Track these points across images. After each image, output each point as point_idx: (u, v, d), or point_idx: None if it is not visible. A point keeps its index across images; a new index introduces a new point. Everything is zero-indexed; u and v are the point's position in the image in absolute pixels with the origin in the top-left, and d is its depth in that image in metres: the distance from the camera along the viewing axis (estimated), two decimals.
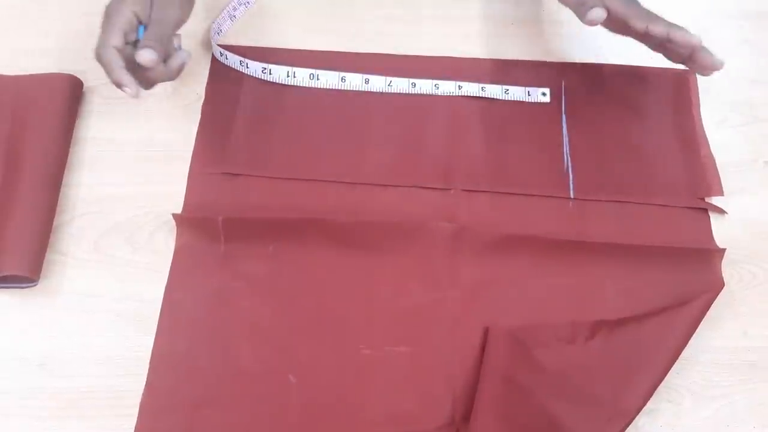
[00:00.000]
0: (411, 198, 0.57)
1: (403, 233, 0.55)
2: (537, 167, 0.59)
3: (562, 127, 0.61)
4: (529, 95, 0.62)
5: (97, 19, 0.63)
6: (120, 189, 0.56)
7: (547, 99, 0.62)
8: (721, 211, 0.58)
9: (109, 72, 0.51)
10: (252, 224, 0.54)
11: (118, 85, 0.50)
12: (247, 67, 0.61)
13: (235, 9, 0.63)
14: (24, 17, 0.64)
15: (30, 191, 0.53)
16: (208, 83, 0.62)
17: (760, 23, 0.69)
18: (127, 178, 0.57)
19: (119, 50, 0.50)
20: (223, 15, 0.63)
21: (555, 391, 0.50)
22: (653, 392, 0.49)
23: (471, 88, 0.62)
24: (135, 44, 0.52)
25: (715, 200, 0.59)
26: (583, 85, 0.63)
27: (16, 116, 0.56)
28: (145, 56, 0.49)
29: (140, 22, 0.52)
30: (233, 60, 0.61)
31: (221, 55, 0.59)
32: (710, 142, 0.61)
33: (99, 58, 0.51)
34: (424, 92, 0.62)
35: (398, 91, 0.62)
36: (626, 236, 0.56)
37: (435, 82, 0.62)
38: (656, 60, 0.63)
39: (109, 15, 0.52)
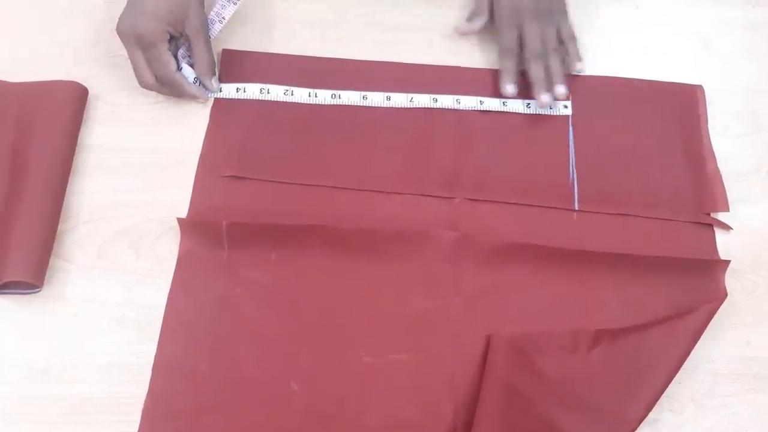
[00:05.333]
0: (415, 206, 0.57)
1: (406, 241, 0.55)
2: (542, 178, 0.59)
3: (568, 138, 0.61)
4: (550, 108, 0.62)
5: (102, 27, 0.64)
6: (124, 195, 0.57)
7: (569, 111, 0.62)
8: (726, 227, 0.58)
9: (182, 92, 0.59)
10: (255, 230, 0.54)
11: (195, 98, 0.60)
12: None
13: (223, 7, 0.62)
14: (29, 24, 0.65)
15: (34, 197, 0.54)
16: None
17: (763, 33, 0.69)
18: (132, 184, 0.57)
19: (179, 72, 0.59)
20: (211, 16, 0.62)
21: (557, 400, 0.50)
22: (656, 402, 0.50)
23: (492, 104, 0.62)
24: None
25: (720, 213, 0.59)
26: (591, 97, 0.63)
27: (21, 123, 0.57)
28: (216, 86, 0.61)
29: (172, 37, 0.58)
30: (229, 89, 0.62)
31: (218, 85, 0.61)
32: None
33: (168, 80, 0.58)
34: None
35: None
36: (630, 249, 0.56)
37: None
38: (665, 74, 0.63)
39: (145, 38, 0.56)
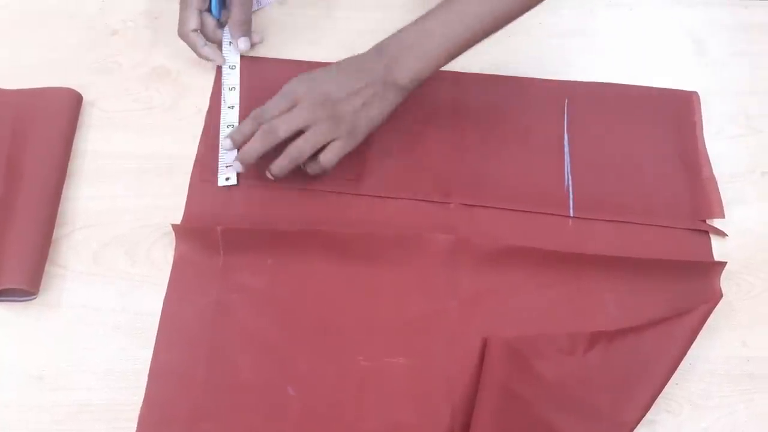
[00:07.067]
0: (411, 211, 0.57)
1: (403, 245, 0.55)
2: (538, 184, 0.59)
3: (564, 144, 0.61)
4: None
5: (96, 34, 0.65)
6: (119, 202, 0.57)
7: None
8: (722, 234, 0.58)
9: (195, 51, 0.62)
10: (251, 235, 0.54)
11: (205, 58, 0.62)
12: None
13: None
14: (24, 32, 0.65)
15: (29, 204, 0.54)
16: (212, 93, 0.62)
17: (755, 35, 0.69)
18: (126, 191, 0.57)
19: (198, 30, 0.61)
20: None
21: (554, 402, 0.50)
22: (652, 403, 0.50)
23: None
24: (208, 10, 0.62)
25: (716, 219, 0.59)
26: (587, 103, 0.63)
27: (17, 130, 0.57)
28: (243, 47, 0.63)
29: None
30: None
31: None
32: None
33: (183, 38, 0.61)
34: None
35: None
36: (625, 255, 0.55)
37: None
38: (658, 76, 0.63)
39: None
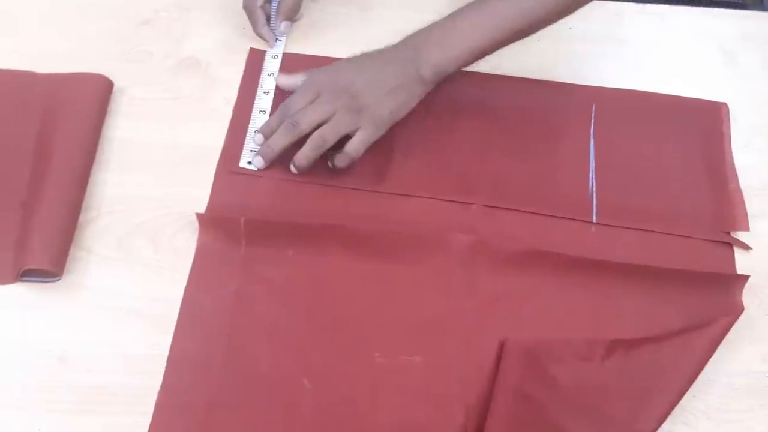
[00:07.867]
0: (432, 210, 0.57)
1: (422, 243, 0.55)
2: (561, 189, 0.59)
3: (589, 150, 0.61)
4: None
5: (127, 22, 0.66)
6: (145, 189, 0.57)
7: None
8: (746, 247, 0.57)
9: (253, 26, 0.64)
10: (273, 227, 0.55)
11: (260, 37, 0.64)
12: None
13: None
14: (57, 18, 0.66)
15: (57, 187, 0.54)
16: (241, 85, 0.63)
17: None
18: (153, 178, 0.58)
19: (263, 7, 0.64)
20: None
21: (569, 408, 0.50)
22: (669, 414, 0.49)
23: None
24: None
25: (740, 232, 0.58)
26: (614, 110, 0.63)
27: (47, 113, 0.58)
28: (284, 29, 0.65)
29: None
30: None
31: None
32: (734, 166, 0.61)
33: (249, 11, 0.64)
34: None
35: None
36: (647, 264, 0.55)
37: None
38: (687, 86, 0.63)
39: None
